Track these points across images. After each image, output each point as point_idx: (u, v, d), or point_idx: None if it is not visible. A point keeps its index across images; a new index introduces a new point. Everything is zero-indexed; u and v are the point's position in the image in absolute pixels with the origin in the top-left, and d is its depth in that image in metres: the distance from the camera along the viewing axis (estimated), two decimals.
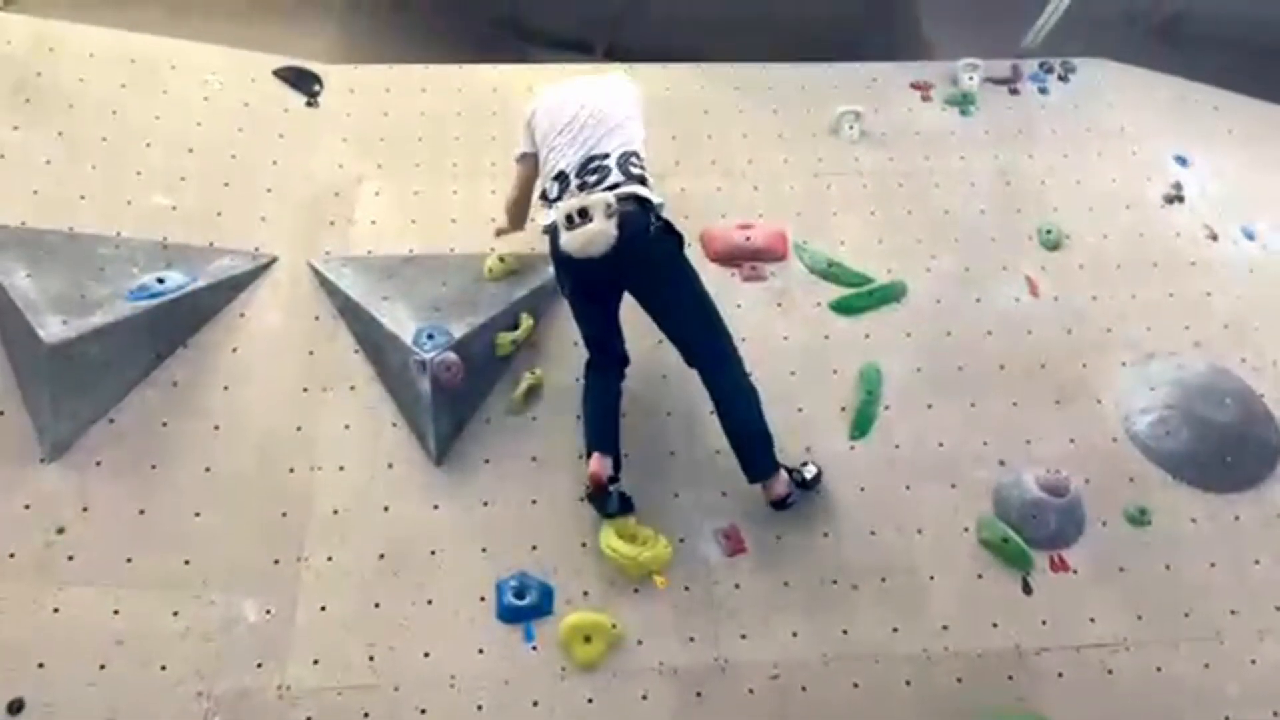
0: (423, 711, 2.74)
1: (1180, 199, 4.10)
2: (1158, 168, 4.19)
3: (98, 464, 3.03)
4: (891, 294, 3.75)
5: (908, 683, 2.94)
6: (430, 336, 3.26)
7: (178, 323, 3.29)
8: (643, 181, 3.05)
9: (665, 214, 3.10)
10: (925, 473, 3.34)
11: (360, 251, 3.61)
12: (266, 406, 3.23)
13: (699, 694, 2.86)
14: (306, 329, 3.41)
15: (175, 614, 2.82)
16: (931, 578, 3.13)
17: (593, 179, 3.00)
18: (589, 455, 3.09)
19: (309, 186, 3.74)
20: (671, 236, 3.11)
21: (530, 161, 3.31)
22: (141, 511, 2.98)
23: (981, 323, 3.71)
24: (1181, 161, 4.24)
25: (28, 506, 2.93)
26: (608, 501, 3.04)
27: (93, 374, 3.10)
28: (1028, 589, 3.14)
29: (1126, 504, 3.33)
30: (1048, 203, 4.05)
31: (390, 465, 3.17)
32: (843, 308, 3.70)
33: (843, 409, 3.47)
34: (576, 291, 3.17)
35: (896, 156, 4.14)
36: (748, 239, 3.81)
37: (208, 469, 3.09)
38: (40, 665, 2.71)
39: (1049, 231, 3.95)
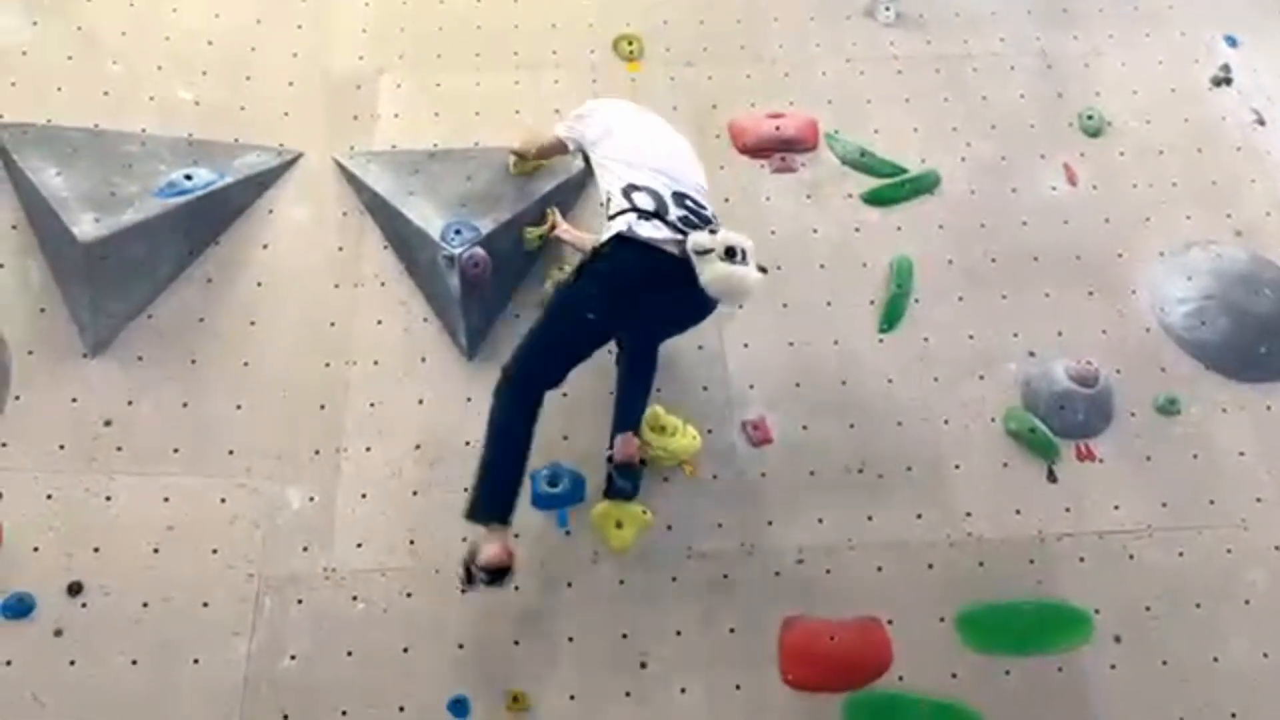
0: (462, 591, 2.88)
1: (1228, 81, 4.01)
2: (1206, 49, 4.09)
3: (139, 359, 3.17)
4: (925, 184, 3.74)
5: (930, 566, 3.07)
6: (458, 232, 3.31)
7: (208, 220, 3.37)
8: None
9: None
10: (954, 365, 3.41)
11: (384, 146, 3.64)
12: (299, 302, 3.33)
13: (726, 576, 3.02)
14: (335, 225, 3.48)
15: (223, 501, 3.00)
16: (957, 467, 3.23)
17: (695, 220, 2.82)
18: (484, 520, 2.72)
19: (330, 80, 3.75)
20: None
21: (564, 149, 3.19)
22: (185, 404, 3.13)
23: (1017, 213, 3.71)
24: (1231, 42, 4.12)
25: (75, 400, 3.09)
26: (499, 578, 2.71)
27: (128, 271, 3.21)
28: (1053, 478, 3.23)
29: (1157, 394, 3.38)
30: (1090, 87, 3.98)
31: (423, 359, 3.28)
32: (875, 199, 3.71)
33: (872, 302, 3.51)
34: (610, 317, 2.80)
35: (934, 39, 4.06)
36: (778, 129, 3.79)
37: (245, 364, 3.21)
38: (96, 550, 2.90)
39: (1090, 117, 3.89)
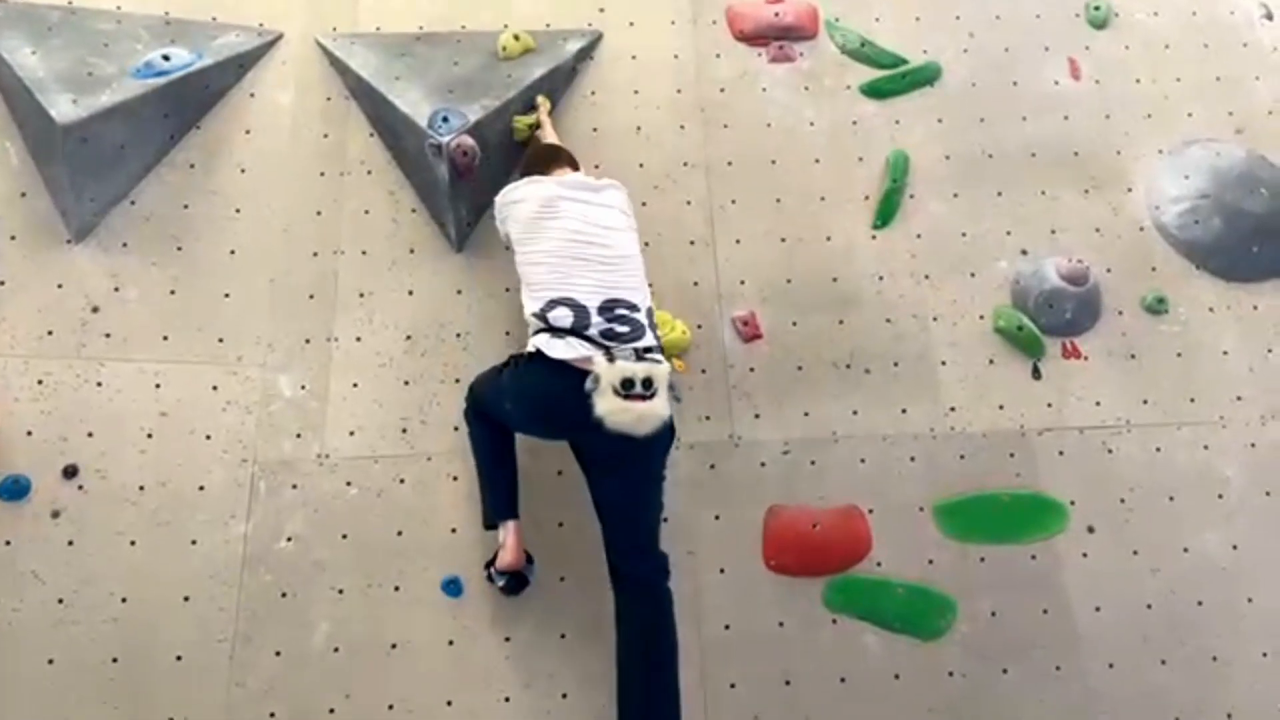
0: (454, 478, 3.12)
1: None
2: None
3: (124, 245, 3.28)
4: (925, 76, 3.83)
5: (912, 459, 3.29)
6: (445, 119, 3.39)
7: (188, 102, 3.45)
8: (662, 349, 2.88)
9: None
10: (945, 262, 3.57)
11: (368, 28, 3.69)
12: (285, 190, 3.43)
13: (712, 466, 3.23)
14: (319, 110, 3.56)
15: (215, 388, 3.16)
16: (943, 363, 3.42)
17: (623, 329, 2.76)
18: (494, 524, 2.94)
19: None
20: (671, 428, 2.83)
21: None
22: (172, 292, 3.26)
23: (1017, 108, 3.82)
24: None
25: (61, 286, 3.21)
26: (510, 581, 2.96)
27: (109, 155, 3.29)
28: (1037, 374, 3.43)
29: (1145, 293, 3.57)
30: None
31: (412, 250, 3.41)
32: (873, 91, 3.80)
33: (866, 197, 3.64)
34: (529, 421, 2.92)
35: None
36: (777, 15, 3.85)
37: (232, 252, 3.34)
38: (90, 435, 3.06)
39: (1097, 8, 3.96)
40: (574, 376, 2.68)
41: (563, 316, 2.78)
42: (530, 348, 2.81)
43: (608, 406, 2.63)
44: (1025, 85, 3.86)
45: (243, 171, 3.44)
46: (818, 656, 3.04)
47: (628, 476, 2.82)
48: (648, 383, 2.66)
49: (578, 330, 2.75)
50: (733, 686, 2.99)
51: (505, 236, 3.08)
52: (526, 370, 2.80)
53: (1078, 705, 3.05)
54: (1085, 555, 3.22)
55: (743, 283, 3.49)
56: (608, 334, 2.75)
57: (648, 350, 2.77)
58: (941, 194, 3.66)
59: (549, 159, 3.19)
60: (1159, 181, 3.74)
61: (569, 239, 2.89)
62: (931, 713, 3.01)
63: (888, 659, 3.06)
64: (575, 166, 3.20)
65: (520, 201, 3.00)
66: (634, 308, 2.83)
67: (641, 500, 2.85)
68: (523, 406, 2.86)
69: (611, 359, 2.68)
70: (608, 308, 2.79)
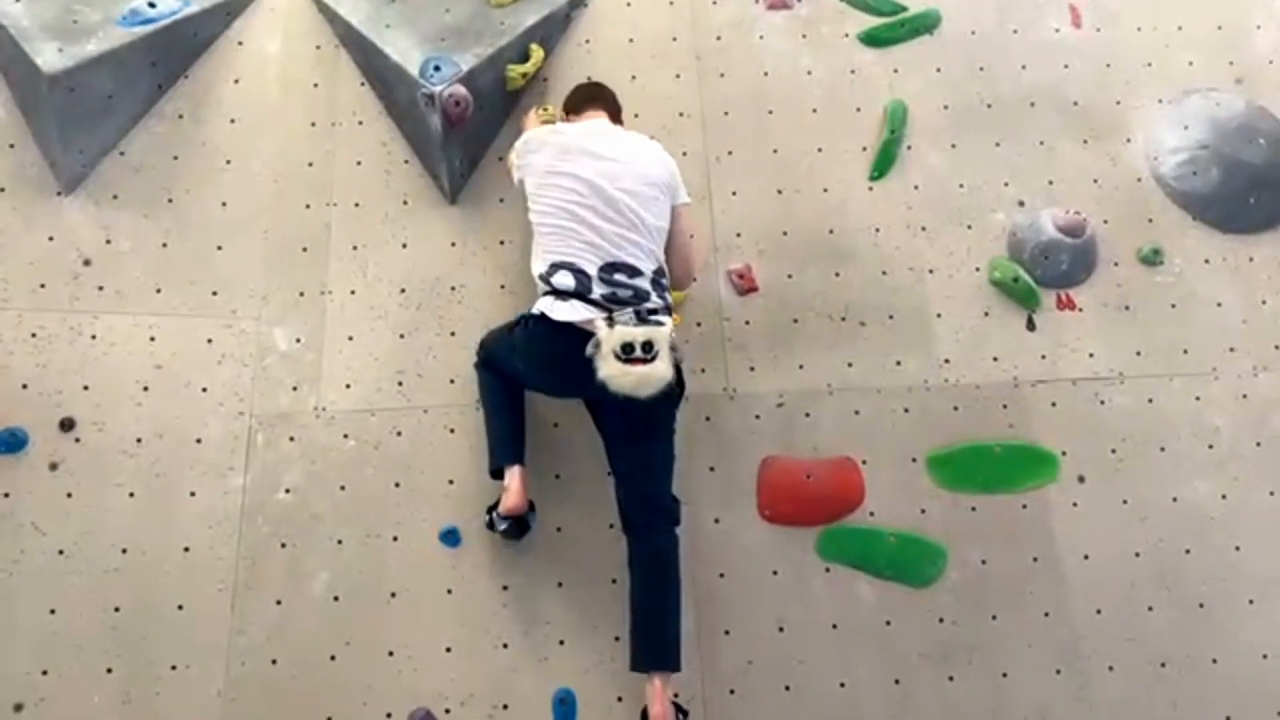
0: (451, 431, 3.17)
1: None
2: None
3: (114, 197, 3.29)
4: (924, 24, 3.81)
5: (906, 410, 3.34)
6: (437, 68, 3.37)
7: (175, 51, 3.42)
8: (670, 309, 2.92)
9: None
10: (942, 214, 3.58)
11: None
12: (275, 141, 3.42)
13: (708, 418, 3.27)
14: (309, 59, 3.54)
15: (210, 341, 3.18)
16: (939, 315, 3.46)
17: (625, 293, 2.80)
18: (501, 468, 2.98)
19: None
20: (680, 383, 2.89)
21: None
22: (164, 245, 3.27)
23: (1016, 56, 3.81)
24: None
25: (51, 239, 3.21)
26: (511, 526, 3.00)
27: (96, 105, 3.27)
28: (1032, 326, 3.47)
29: (1141, 244, 3.59)
30: None
31: (405, 202, 3.42)
32: (872, 39, 3.78)
33: (864, 148, 3.64)
34: (537, 379, 3.02)
35: None
36: None
37: (224, 204, 3.34)
38: (85, 388, 3.09)
39: None
40: (578, 338, 2.76)
41: (565, 280, 2.83)
42: (536, 309, 2.86)
43: (609, 370, 2.71)
44: (1025, 32, 3.84)
45: (232, 122, 3.43)
46: (811, 604, 3.12)
47: (638, 433, 2.91)
48: (648, 346, 2.72)
49: (580, 294, 2.81)
50: (727, 633, 3.07)
51: (519, 183, 3.09)
52: (535, 331, 2.87)
53: (1065, 651, 3.14)
54: (1075, 505, 3.28)
55: (739, 235, 3.50)
56: (610, 298, 2.81)
57: (651, 312, 2.82)
58: (939, 145, 3.67)
59: (586, 98, 3.23)
60: (1158, 132, 3.74)
61: (573, 199, 2.89)
62: (922, 658, 3.10)
63: (880, 606, 3.13)
64: (614, 110, 3.22)
65: (537, 151, 3.01)
66: (635, 272, 2.85)
67: (651, 454, 2.94)
68: (533, 366, 2.96)
69: (612, 323, 2.74)
70: (607, 271, 2.83)
